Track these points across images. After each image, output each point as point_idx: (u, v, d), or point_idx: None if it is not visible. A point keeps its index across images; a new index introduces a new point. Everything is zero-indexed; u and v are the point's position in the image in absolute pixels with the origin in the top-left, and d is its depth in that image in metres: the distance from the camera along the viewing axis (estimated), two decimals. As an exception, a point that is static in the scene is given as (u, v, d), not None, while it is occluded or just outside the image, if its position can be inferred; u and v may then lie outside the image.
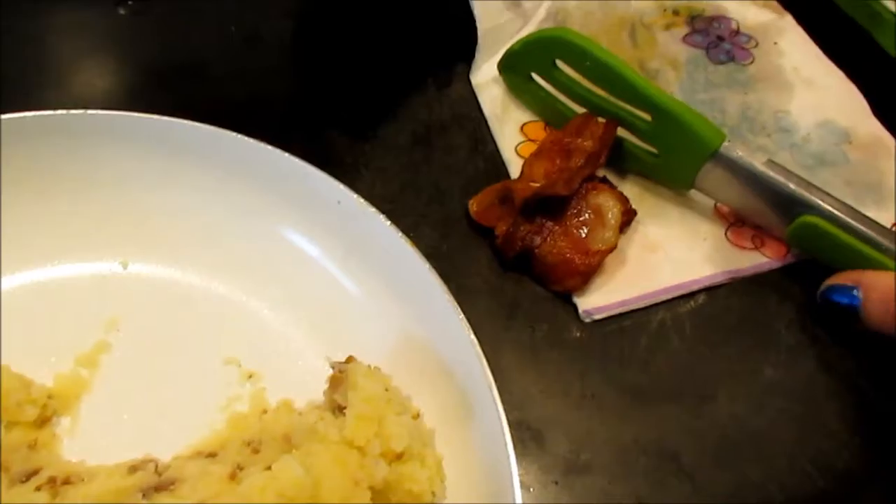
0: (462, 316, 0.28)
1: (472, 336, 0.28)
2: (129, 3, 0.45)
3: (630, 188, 0.39)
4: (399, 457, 0.27)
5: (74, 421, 0.30)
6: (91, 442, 0.30)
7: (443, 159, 0.40)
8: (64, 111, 0.31)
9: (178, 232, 0.33)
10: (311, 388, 0.30)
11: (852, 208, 0.35)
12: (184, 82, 0.42)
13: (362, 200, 0.30)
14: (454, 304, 0.29)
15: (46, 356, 0.31)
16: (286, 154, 0.31)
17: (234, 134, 0.31)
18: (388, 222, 0.30)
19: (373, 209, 0.30)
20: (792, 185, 0.35)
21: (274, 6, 0.46)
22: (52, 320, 0.32)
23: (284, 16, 0.46)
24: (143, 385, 0.31)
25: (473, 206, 0.37)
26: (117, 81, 0.43)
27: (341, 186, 0.31)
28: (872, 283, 0.33)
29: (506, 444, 0.26)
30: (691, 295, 0.36)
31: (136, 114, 0.32)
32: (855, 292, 0.34)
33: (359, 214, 0.31)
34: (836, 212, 0.35)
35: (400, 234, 0.30)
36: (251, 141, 0.31)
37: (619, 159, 0.39)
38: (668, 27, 0.47)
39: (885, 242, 0.34)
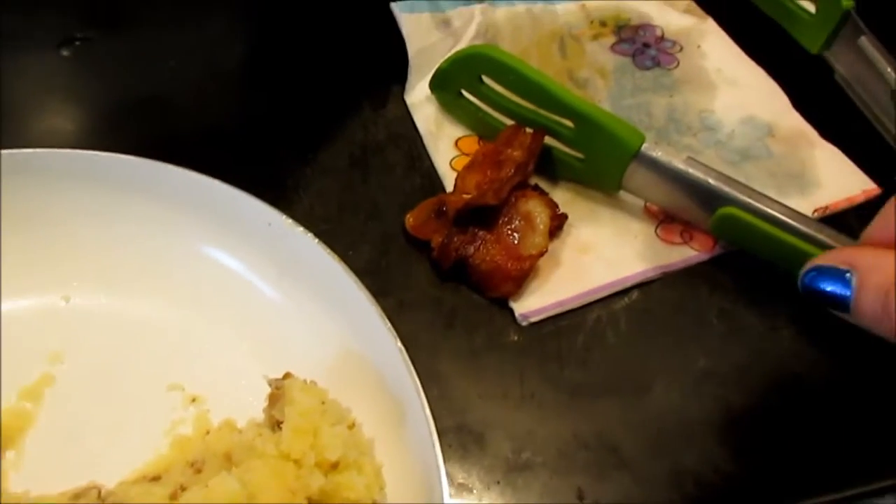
0: (389, 326, 0.29)
1: (400, 345, 0.29)
2: (73, 44, 0.46)
3: (562, 194, 0.41)
4: (335, 466, 0.28)
5: (19, 454, 0.31)
6: (37, 473, 0.30)
7: (380, 178, 0.41)
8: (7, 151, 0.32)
9: (116, 264, 0.34)
10: (253, 406, 0.31)
11: (769, 198, 0.37)
12: (127, 118, 0.43)
13: (291, 221, 0.31)
14: (382, 316, 0.30)
15: (-10, 394, 0.31)
16: (217, 181, 0.32)
17: (165, 164, 0.32)
18: (317, 241, 0.31)
19: (301, 229, 0.31)
20: (711, 180, 0.37)
21: (209, 40, 0.47)
22: (-6, 358, 0.32)
23: (220, 48, 0.47)
24: (88, 415, 0.32)
25: (410, 220, 0.38)
26: (63, 122, 0.44)
27: (271, 209, 0.32)
28: (870, 266, 0.26)
29: (434, 448, 0.27)
30: (625, 292, 0.38)
31: (65, 150, 0.33)
32: (848, 277, 0.26)
33: (289, 235, 0.32)
34: (752, 202, 0.36)
35: (328, 251, 0.31)
36: (181, 170, 0.32)
37: (550, 166, 0.41)
38: (595, 37, 0.49)
39: (803, 228, 0.36)
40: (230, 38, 0.48)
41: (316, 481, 0.27)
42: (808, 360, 0.36)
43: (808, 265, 0.29)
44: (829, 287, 0.27)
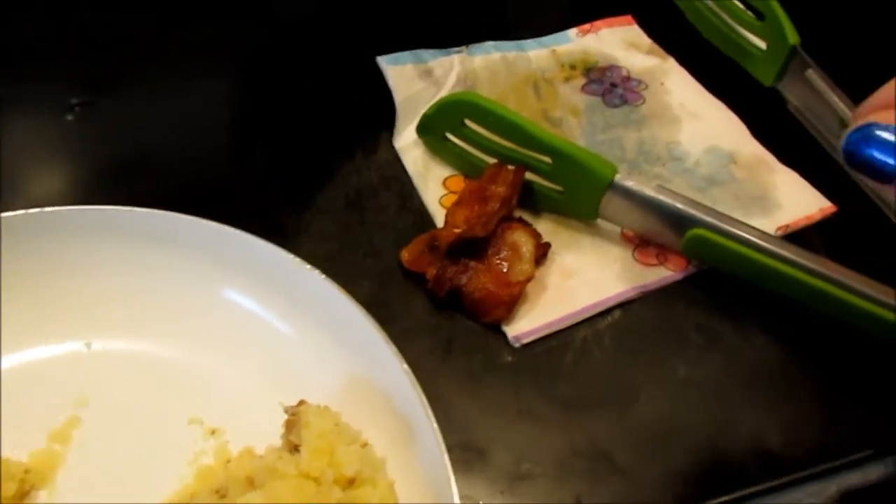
0: (395, 349, 0.32)
1: (406, 367, 0.31)
2: (76, 108, 0.49)
3: (545, 224, 0.44)
4: (351, 482, 0.30)
5: (52, 492, 0.33)
6: (68, 511, 0.32)
7: (374, 218, 0.44)
8: (22, 211, 0.34)
9: (135, 309, 0.36)
10: (269, 435, 0.33)
11: (734, 219, 0.40)
12: (130, 176, 0.46)
13: (298, 260, 0.34)
14: (388, 341, 0.32)
15: (21, 435, 0.33)
16: (227, 227, 0.35)
17: (178, 214, 0.35)
18: (323, 276, 0.34)
19: (308, 266, 0.34)
20: (679, 205, 0.40)
21: (206, 95, 0.50)
22: (24, 402, 0.34)
23: (217, 104, 0.50)
24: (114, 453, 0.34)
25: (405, 255, 0.41)
26: (70, 182, 0.46)
27: (279, 249, 0.35)
28: None
29: (443, 461, 0.29)
30: (607, 311, 0.41)
31: (83, 207, 0.35)
32: None
33: (297, 272, 0.34)
34: (718, 223, 0.40)
35: (334, 285, 0.34)
36: (194, 219, 0.35)
37: (532, 200, 0.44)
38: (567, 80, 0.53)
39: (767, 245, 0.39)
40: (226, 96, 0.51)
41: (335, 496, 0.29)
42: (779, 364, 0.39)
43: (857, 123, 0.22)
44: (879, 154, 0.21)
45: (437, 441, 0.29)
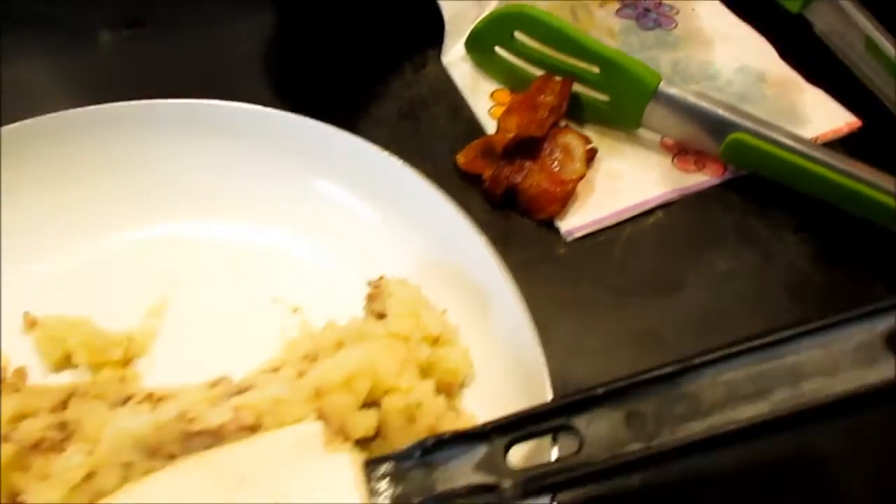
0: (472, 221, 0.34)
1: (484, 237, 0.34)
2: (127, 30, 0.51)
3: (589, 134, 0.46)
4: (436, 341, 0.33)
5: (150, 361, 0.35)
6: (166, 377, 0.34)
7: (427, 127, 0.47)
8: (119, 103, 0.37)
9: (222, 197, 0.39)
10: (349, 311, 0.36)
11: (772, 124, 0.43)
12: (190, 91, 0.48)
13: (376, 147, 0.37)
14: (465, 214, 0.35)
15: (121, 311, 0.36)
16: (311, 120, 0.38)
17: (265, 109, 0.38)
18: (401, 161, 0.36)
19: (386, 153, 0.37)
20: (719, 110, 0.43)
21: (259, 18, 0.52)
22: (120, 281, 0.37)
23: (276, 24, 0.52)
24: (204, 329, 0.36)
25: (461, 159, 0.44)
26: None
27: (358, 139, 0.37)
28: None
29: (527, 326, 0.32)
30: (650, 211, 0.43)
31: (180, 101, 0.38)
32: None
33: (378, 159, 0.37)
34: (758, 127, 0.42)
35: (412, 169, 0.36)
36: (280, 113, 0.38)
37: (577, 110, 0.46)
38: (602, 5, 0.55)
39: (804, 149, 0.42)
40: (277, 17, 0.53)
41: (423, 352, 0.32)
42: (811, 259, 0.42)
43: None
44: None
45: (517, 305, 0.32)
